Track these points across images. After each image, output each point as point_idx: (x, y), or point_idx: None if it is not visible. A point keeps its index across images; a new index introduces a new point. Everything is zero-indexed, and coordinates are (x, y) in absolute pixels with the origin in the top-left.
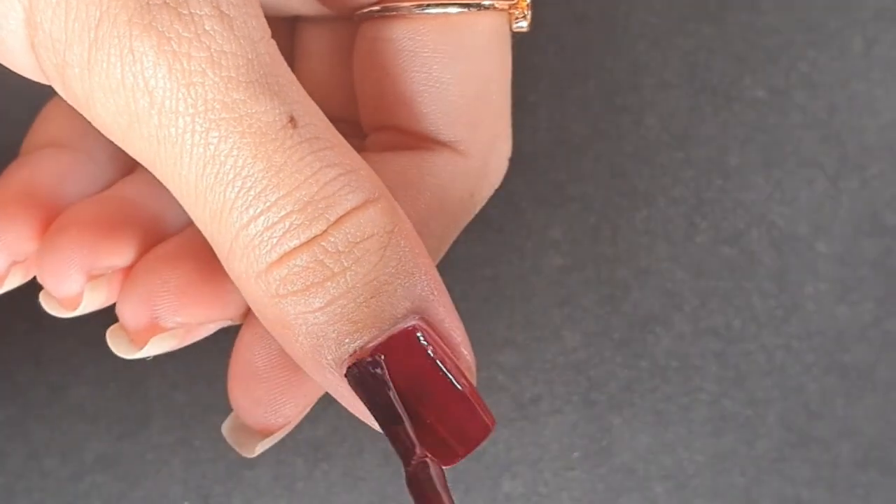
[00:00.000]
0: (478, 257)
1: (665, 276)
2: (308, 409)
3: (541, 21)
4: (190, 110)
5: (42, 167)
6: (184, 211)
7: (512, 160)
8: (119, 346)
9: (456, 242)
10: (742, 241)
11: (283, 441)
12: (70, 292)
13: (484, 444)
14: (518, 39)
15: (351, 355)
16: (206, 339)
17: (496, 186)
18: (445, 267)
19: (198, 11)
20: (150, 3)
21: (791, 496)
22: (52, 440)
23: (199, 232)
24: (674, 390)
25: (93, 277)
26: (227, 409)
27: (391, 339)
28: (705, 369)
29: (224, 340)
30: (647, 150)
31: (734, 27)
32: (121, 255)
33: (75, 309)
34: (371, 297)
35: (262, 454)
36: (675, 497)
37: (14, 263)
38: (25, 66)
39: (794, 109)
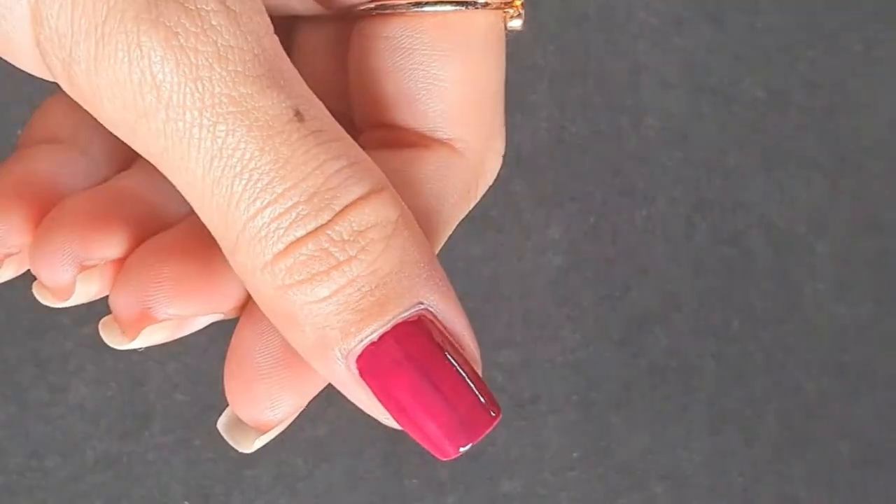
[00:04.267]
0: (477, 256)
1: (664, 276)
2: (305, 405)
3: (541, 21)
4: (197, 104)
5: (38, 162)
6: (179, 204)
7: (512, 160)
8: (111, 336)
9: (456, 241)
10: (741, 241)
11: (283, 441)
12: (62, 282)
13: (484, 439)
14: (519, 39)
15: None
16: (207, 339)
17: (490, 184)
18: (445, 266)
19: (204, 7)
20: None
21: (789, 495)
22: (52, 440)
23: (194, 225)
24: (672, 390)
25: (85, 268)
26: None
27: (397, 327)
28: (704, 369)
29: (225, 341)
30: (647, 150)
31: (733, 28)
32: (112, 246)
33: (67, 298)
34: (376, 287)
35: (263, 453)
36: (674, 496)
37: (7, 255)
38: (29, 63)
39: (793, 109)
